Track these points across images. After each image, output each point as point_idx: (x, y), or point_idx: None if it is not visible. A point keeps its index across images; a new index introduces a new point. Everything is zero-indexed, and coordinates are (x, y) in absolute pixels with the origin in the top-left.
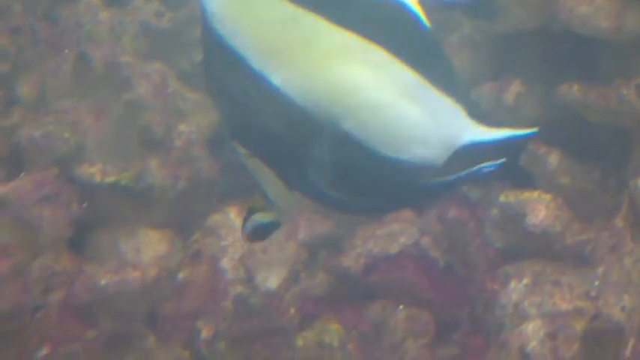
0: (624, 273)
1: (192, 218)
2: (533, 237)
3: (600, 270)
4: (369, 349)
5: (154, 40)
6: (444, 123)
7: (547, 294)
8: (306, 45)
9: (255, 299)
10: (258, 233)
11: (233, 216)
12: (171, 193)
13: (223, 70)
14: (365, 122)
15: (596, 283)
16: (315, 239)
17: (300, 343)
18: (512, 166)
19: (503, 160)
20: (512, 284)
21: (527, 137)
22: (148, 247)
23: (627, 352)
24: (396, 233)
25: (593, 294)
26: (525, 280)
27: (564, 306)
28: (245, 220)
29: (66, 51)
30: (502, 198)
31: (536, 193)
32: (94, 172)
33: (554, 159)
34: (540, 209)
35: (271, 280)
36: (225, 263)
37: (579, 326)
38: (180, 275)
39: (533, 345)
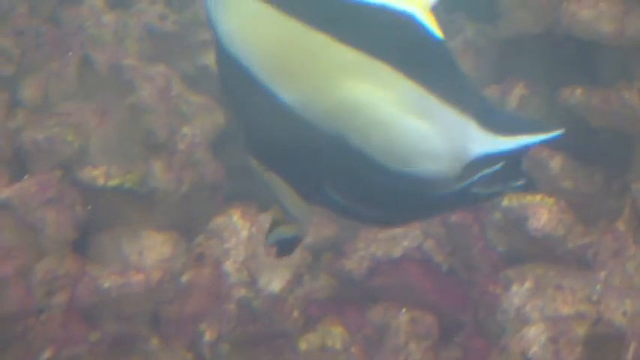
0: (626, 277)
1: (196, 221)
2: (535, 241)
3: (602, 274)
4: (373, 352)
5: (158, 42)
6: (453, 136)
7: (549, 298)
8: (314, 62)
9: (258, 302)
10: (285, 248)
11: (236, 218)
12: (174, 196)
13: (236, 87)
14: (372, 138)
15: (598, 287)
16: (318, 242)
17: (303, 346)
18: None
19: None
20: (514, 288)
21: (549, 141)
22: (152, 250)
23: (629, 357)
24: (399, 236)
25: (595, 298)
26: (527, 284)
27: (566, 310)
28: (268, 233)
29: (70, 53)
30: (505, 202)
31: (538, 197)
32: (97, 174)
33: (556, 163)
34: (542, 213)
35: (274, 283)
36: (229, 266)
37: (581, 330)
38: (184, 278)
39: (534, 349)
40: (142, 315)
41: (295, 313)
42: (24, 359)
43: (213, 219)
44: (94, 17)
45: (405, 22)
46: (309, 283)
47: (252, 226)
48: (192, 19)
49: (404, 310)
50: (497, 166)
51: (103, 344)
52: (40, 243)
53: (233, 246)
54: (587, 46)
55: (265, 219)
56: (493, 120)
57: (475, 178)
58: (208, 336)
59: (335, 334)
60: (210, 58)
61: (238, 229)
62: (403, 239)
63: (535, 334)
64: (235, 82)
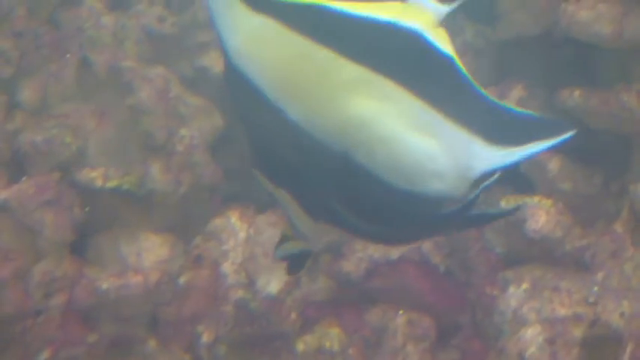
0: (624, 278)
1: (194, 223)
2: (533, 242)
3: (600, 275)
4: (370, 354)
5: (157, 44)
6: (458, 155)
7: (546, 299)
8: (320, 79)
9: (256, 304)
10: (295, 264)
11: (234, 220)
12: (172, 198)
13: (245, 102)
14: (377, 155)
15: (595, 288)
16: None
17: (300, 347)
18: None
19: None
20: (512, 289)
21: (557, 146)
22: (150, 252)
23: (625, 359)
24: None
25: (592, 300)
26: (524, 286)
27: (563, 312)
28: (276, 247)
29: (68, 55)
30: (503, 203)
31: (536, 199)
32: (95, 176)
33: (554, 164)
34: (541, 215)
35: (272, 284)
36: (227, 268)
37: (578, 332)
38: (182, 280)
39: (532, 351)
40: (140, 316)
41: (293, 315)
42: None
43: (211, 221)
44: (92, 19)
45: (411, 39)
46: (307, 285)
47: (250, 227)
48: (190, 21)
49: (401, 311)
50: (496, 177)
51: (100, 346)
52: (38, 245)
53: (231, 248)
54: (586, 47)
55: (263, 221)
56: (500, 129)
57: (478, 191)
58: (206, 337)
59: (332, 336)
60: (208, 60)
61: (236, 231)
62: None
63: (532, 336)
64: (243, 97)
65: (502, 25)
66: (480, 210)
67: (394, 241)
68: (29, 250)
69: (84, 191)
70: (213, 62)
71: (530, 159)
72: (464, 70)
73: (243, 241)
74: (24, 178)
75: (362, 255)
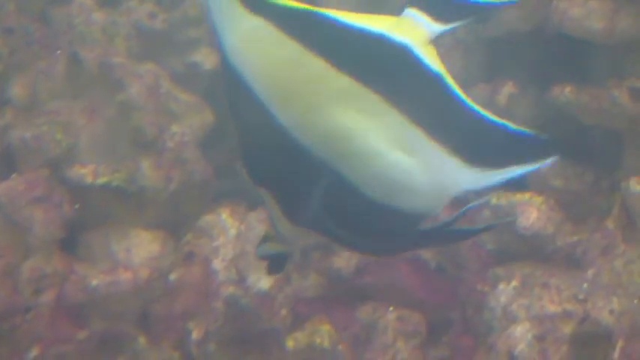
0: (615, 275)
1: (185, 219)
2: (524, 239)
3: (590, 272)
4: (361, 350)
5: (147, 41)
6: (434, 174)
7: (535, 296)
8: (309, 86)
9: (246, 300)
10: (274, 265)
11: (225, 217)
12: (163, 194)
13: (237, 100)
14: (357, 168)
15: (585, 285)
16: None
17: (291, 344)
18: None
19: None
20: (502, 286)
21: (537, 169)
22: (140, 248)
23: (615, 356)
24: None
25: (581, 297)
26: (514, 282)
27: (553, 308)
28: (258, 245)
29: (58, 52)
30: (494, 200)
31: (527, 195)
32: (85, 172)
33: None
34: (532, 211)
35: (263, 281)
36: (217, 264)
37: (567, 329)
38: (172, 276)
39: (521, 347)
40: (130, 313)
41: (283, 311)
42: (11, 358)
43: (202, 217)
44: (83, 15)
45: (400, 54)
46: (298, 281)
47: (240, 224)
48: (181, 17)
49: (392, 308)
50: (484, 200)
51: (90, 342)
52: (28, 241)
53: (222, 244)
54: (577, 44)
55: (254, 217)
56: (484, 149)
57: (460, 213)
58: (196, 334)
59: (323, 332)
60: (199, 57)
61: (227, 228)
62: None
63: (521, 333)
64: (236, 95)
65: (493, 22)
66: (457, 227)
67: (371, 252)
68: (19, 246)
69: (74, 188)
70: (204, 58)
71: (509, 182)
72: (454, 87)
73: (234, 237)
74: (14, 175)
75: None
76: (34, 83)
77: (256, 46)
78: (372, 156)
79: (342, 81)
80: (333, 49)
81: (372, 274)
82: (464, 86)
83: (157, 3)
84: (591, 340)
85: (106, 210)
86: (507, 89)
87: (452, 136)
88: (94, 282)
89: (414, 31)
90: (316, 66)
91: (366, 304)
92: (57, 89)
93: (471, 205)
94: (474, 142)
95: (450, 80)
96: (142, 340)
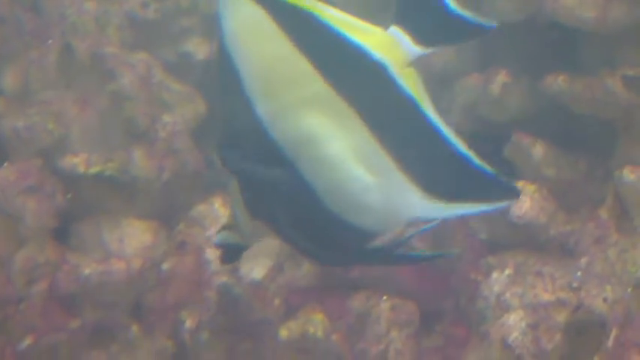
0: (608, 264)
1: (177, 209)
2: (517, 228)
3: (583, 261)
4: (354, 340)
5: (140, 30)
6: (391, 197)
7: (529, 285)
8: (290, 85)
9: (239, 290)
10: (228, 255)
11: (218, 206)
12: (155, 184)
13: (225, 84)
14: (320, 175)
15: (579, 274)
16: None
17: (284, 333)
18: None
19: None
20: (495, 275)
21: (494, 211)
22: (133, 238)
23: (609, 344)
24: None
25: (575, 285)
26: (507, 271)
27: (546, 297)
28: (217, 233)
29: (50, 42)
30: None
31: (520, 184)
32: (78, 162)
33: (539, 150)
34: (524, 201)
35: (256, 270)
36: (210, 254)
37: (561, 317)
38: (165, 266)
39: (514, 336)
40: (123, 303)
41: (276, 301)
42: (3, 347)
43: (195, 207)
44: (75, 5)
45: (376, 73)
46: (291, 271)
47: None
48: (174, 7)
49: (385, 297)
50: (428, 226)
51: (83, 332)
52: (20, 231)
53: (214, 233)
54: (571, 33)
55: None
56: (445, 181)
57: (406, 237)
58: (189, 323)
59: (316, 322)
60: (192, 46)
61: (220, 217)
62: None
63: (515, 321)
64: (224, 78)
65: (486, 11)
66: (406, 251)
67: (318, 260)
68: (11, 236)
69: (66, 177)
70: (197, 48)
71: (462, 217)
72: (428, 112)
73: None
74: (5, 164)
75: None
76: (26, 73)
77: (251, 36)
78: (336, 166)
79: (321, 87)
80: (320, 54)
81: None
82: (458, 76)
83: None
84: (585, 328)
85: (98, 200)
86: (501, 78)
87: (415, 163)
88: (87, 272)
89: (394, 52)
90: (301, 66)
91: (360, 294)
92: (49, 79)
93: (420, 229)
94: (436, 174)
95: (424, 104)
96: (134, 329)
